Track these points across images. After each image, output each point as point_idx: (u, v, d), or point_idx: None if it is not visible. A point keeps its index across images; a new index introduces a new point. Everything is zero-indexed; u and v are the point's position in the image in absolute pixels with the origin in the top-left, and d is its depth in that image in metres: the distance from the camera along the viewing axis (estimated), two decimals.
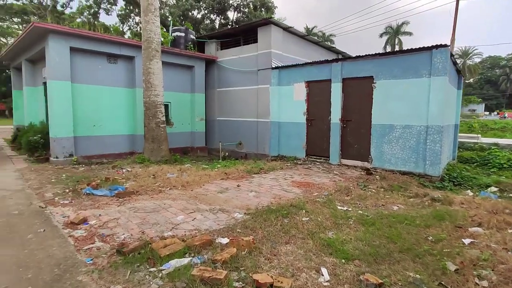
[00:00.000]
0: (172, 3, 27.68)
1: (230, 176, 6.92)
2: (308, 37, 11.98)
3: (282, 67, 9.98)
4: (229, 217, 4.13)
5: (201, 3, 25.85)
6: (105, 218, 4.03)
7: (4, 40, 44.32)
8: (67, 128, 8.35)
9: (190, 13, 26.35)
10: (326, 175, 7.12)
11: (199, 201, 4.91)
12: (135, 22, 28.76)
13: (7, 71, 44.78)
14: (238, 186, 6.00)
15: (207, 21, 27.24)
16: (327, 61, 8.90)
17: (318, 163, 8.78)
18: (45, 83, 10.04)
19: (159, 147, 8.57)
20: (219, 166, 8.31)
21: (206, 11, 27.03)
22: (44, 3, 32.65)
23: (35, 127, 9.15)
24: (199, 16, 27.04)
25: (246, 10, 27.17)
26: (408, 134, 7.23)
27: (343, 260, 2.94)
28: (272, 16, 23.87)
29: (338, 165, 8.46)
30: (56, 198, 4.87)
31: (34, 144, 8.36)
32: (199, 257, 2.85)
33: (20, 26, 39.20)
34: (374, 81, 7.76)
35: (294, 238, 3.45)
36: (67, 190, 5.31)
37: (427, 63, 6.88)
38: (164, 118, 8.74)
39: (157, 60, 8.35)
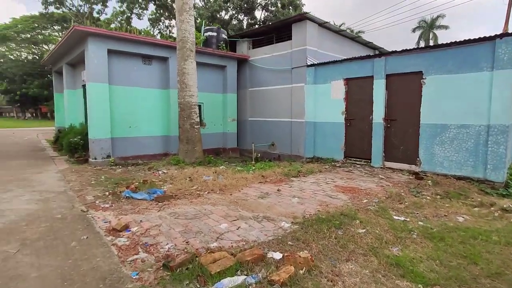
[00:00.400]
0: (201, 5, 27.98)
1: (268, 179, 6.60)
2: (343, 32, 11.39)
3: (318, 64, 9.51)
4: (276, 227, 3.81)
5: (228, 4, 25.88)
6: (146, 224, 3.86)
7: (46, 47, 47.42)
8: (105, 130, 8.46)
9: (218, 15, 26.48)
10: (371, 179, 6.59)
11: (240, 207, 4.63)
12: (165, 25, 29.38)
13: (48, 75, 47.88)
14: (278, 190, 5.67)
15: (235, 22, 27.20)
16: (368, 57, 8.32)
17: (358, 166, 8.23)
18: (84, 86, 10.32)
19: (194, 148, 8.45)
20: (254, 168, 8.03)
21: (234, 12, 27.02)
22: (81, 11, 34.32)
23: (75, 128, 9.41)
24: (226, 17, 27.08)
25: (274, 9, 26.83)
26: (464, 135, 6.52)
27: (421, 286, 2.51)
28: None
29: (381, 168, 7.86)
30: (97, 202, 4.82)
31: (74, 145, 8.56)
32: (253, 276, 2.55)
33: (60, 33, 41.63)
34: (424, 77, 7.09)
35: (354, 255, 3.05)
36: (107, 193, 5.25)
37: (488, 55, 6.15)
38: (198, 119, 8.62)
39: (191, 60, 8.24)
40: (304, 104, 9.83)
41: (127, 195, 5.02)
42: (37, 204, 4.63)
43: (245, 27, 26.59)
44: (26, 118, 56.25)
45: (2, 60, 48.43)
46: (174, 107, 9.84)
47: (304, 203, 4.86)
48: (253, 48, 12.00)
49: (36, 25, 44.25)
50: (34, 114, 58.40)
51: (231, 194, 5.37)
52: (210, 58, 10.81)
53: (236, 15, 27.52)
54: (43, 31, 45.85)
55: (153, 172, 7.38)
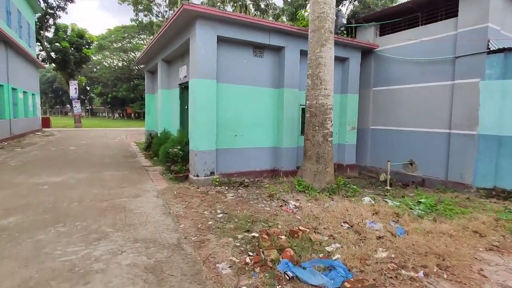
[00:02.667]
0: (281, 5, 25.75)
1: (499, 244, 3.78)
2: None
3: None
4: None
5: None
6: None
7: (133, 54, 51.40)
8: (210, 139, 6.64)
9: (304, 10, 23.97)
10: None
11: None
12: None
13: (135, 80, 51.78)
14: None
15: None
16: None
17: None
18: (181, 85, 8.81)
19: (325, 169, 6.05)
20: (418, 206, 5.25)
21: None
22: (166, 16, 35.43)
23: (172, 136, 7.89)
24: None
25: None
26: None
27: None
28: None
29: None
30: (242, 285, 2.67)
31: (172, 157, 6.93)
32: None
33: (146, 40, 44.31)
34: None
35: None
36: (249, 259, 3.09)
37: None
38: (332, 129, 6.20)
39: (330, 46, 5.87)
40: (479, 108, 6.68)
41: (287, 271, 2.77)
42: (147, 283, 2.66)
43: (348, 13, 22.90)
44: (114, 118, 62.15)
45: (98, 66, 54.18)
46: (289, 111, 7.64)
47: None
48: (380, 35, 9.18)
49: (126, 34, 48.21)
50: (121, 114, 64.30)
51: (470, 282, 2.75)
52: None
53: None
54: (131, 40, 49.84)
55: (283, 206, 5.15)
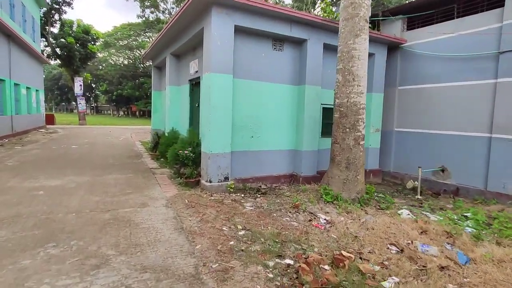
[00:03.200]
0: None
1: None
2: None
3: None
4: None
5: None
6: None
7: (139, 52, 50.95)
8: (224, 141, 5.96)
9: None
10: None
11: None
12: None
13: (140, 78, 51.34)
14: None
15: None
16: None
17: None
18: (191, 81, 8.14)
19: (356, 177, 5.33)
20: (468, 219, 4.51)
21: None
22: (173, 13, 34.80)
23: (182, 137, 7.21)
24: None
25: None
26: None
27: None
28: None
29: None
30: None
31: (182, 159, 6.26)
32: None
33: (151, 38, 43.80)
34: None
35: None
36: None
37: None
38: (364, 131, 5.47)
39: (364, 37, 5.15)
40: None
41: None
42: None
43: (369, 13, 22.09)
44: (119, 115, 61.86)
45: (104, 64, 53.86)
46: (310, 111, 6.94)
47: None
48: (408, 29, 8.43)
49: (132, 32, 47.76)
50: (125, 112, 64.01)
51: None
52: None
53: None
54: (137, 38, 49.39)
55: (310, 219, 4.45)
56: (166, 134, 8.87)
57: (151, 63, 13.46)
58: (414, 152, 8.16)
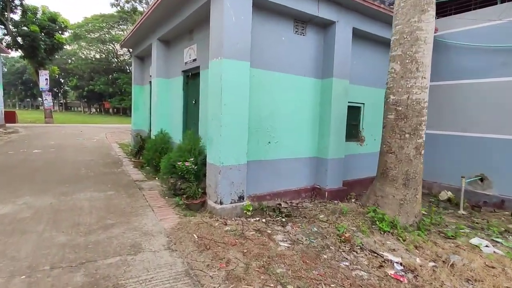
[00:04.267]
0: None
1: None
2: None
3: None
4: None
5: None
6: None
7: (112, 46, 47.71)
8: (239, 149, 4.54)
9: None
10: None
11: None
12: None
13: (114, 73, 48.09)
14: None
15: None
16: None
17: None
18: (186, 72, 6.60)
19: (415, 196, 4.12)
20: None
21: None
22: (151, 2, 32.44)
23: (178, 143, 5.62)
24: None
25: None
26: None
27: None
28: None
29: None
30: None
31: (182, 173, 4.75)
32: None
33: (126, 31, 40.96)
34: None
35: None
36: None
37: None
38: (424, 138, 4.25)
39: (432, 13, 3.92)
40: None
41: None
42: None
43: None
44: (91, 112, 57.93)
45: (74, 58, 50.00)
46: (337, 110, 5.68)
47: None
48: (438, 16, 7.37)
49: (104, 24, 44.46)
50: (98, 110, 60.14)
51: None
52: (375, 25, 6.33)
53: None
54: (110, 30, 46.08)
55: (380, 265, 3.14)
56: (153, 137, 7.27)
57: (129, 54, 11.64)
58: (445, 157, 7.14)
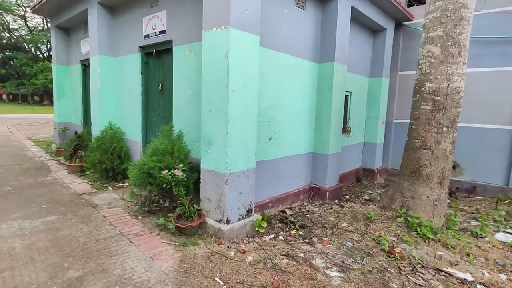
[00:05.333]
0: None
1: None
2: None
3: None
4: None
5: None
6: None
7: (1, 18, 38.41)
8: (248, 150, 3.50)
9: None
10: None
11: None
12: None
13: (5, 51, 38.96)
14: None
15: None
16: None
17: None
18: (145, 48, 5.08)
19: (446, 194, 3.75)
20: None
21: None
22: None
23: (155, 142, 4.09)
24: None
25: None
26: None
27: None
28: None
29: None
30: None
31: (166, 184, 3.46)
32: None
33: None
34: None
35: None
36: None
37: None
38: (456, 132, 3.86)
39: None
40: None
41: None
42: None
43: None
44: None
45: None
46: (338, 100, 5.07)
47: None
48: (409, 5, 7.33)
49: None
50: None
51: None
52: (371, 7, 5.89)
53: None
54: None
55: None
56: (98, 134, 5.52)
57: (44, 24, 8.93)
58: None
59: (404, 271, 2.87)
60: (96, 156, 5.17)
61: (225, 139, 3.25)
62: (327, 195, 5.05)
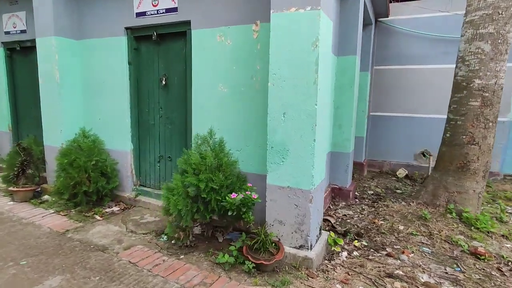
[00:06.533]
0: None
1: None
2: None
3: None
4: None
5: None
6: None
7: None
8: (324, 158, 2.95)
9: None
10: None
11: None
12: None
13: None
14: None
15: None
16: None
17: None
18: (134, 30, 3.93)
19: (485, 187, 3.92)
20: None
21: None
22: None
23: (192, 155, 3.02)
24: None
25: None
26: None
27: None
28: None
29: None
30: None
31: (230, 210, 2.65)
32: None
33: None
34: None
35: None
36: None
37: None
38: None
39: None
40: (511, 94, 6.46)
41: None
42: None
43: None
44: None
45: None
46: (357, 94, 4.86)
47: None
48: (392, 1, 7.62)
49: None
50: None
51: None
52: (368, 2, 5.88)
53: None
54: None
55: None
56: (65, 145, 4.07)
57: None
58: (390, 137, 7.73)
59: (505, 274, 2.82)
60: (71, 177, 3.78)
61: (311, 148, 2.63)
62: (350, 196, 4.84)
